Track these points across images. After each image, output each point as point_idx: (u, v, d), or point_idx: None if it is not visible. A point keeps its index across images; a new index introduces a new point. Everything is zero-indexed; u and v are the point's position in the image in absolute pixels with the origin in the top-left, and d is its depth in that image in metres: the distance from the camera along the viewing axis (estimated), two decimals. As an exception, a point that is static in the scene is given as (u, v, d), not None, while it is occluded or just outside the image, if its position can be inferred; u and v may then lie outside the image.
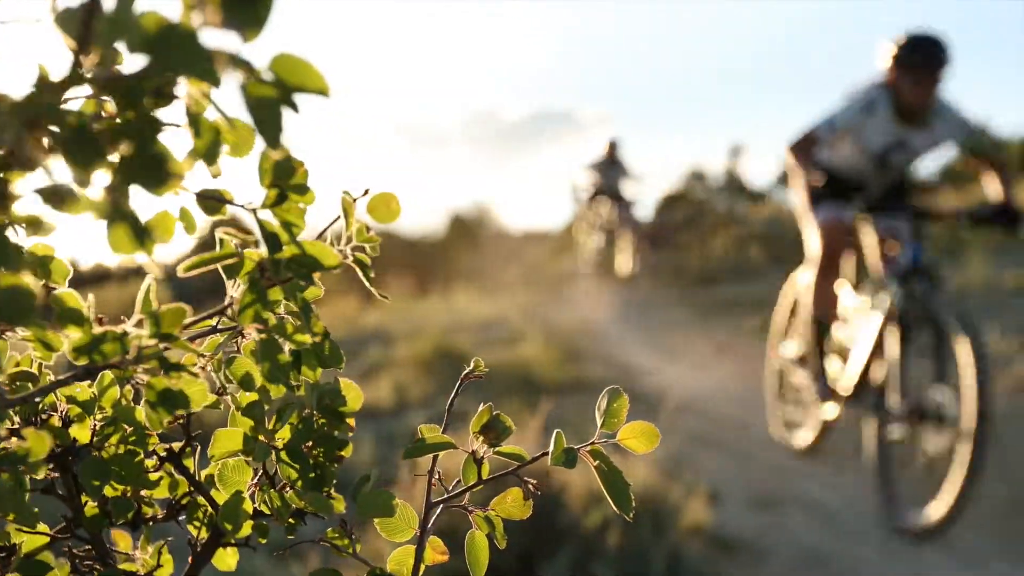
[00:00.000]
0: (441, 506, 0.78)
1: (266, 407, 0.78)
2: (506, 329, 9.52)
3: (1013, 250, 10.83)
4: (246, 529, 0.80)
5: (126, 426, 0.77)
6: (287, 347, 0.74)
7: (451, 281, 17.23)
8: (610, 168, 14.41)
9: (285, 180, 0.65)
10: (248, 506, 0.78)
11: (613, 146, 14.42)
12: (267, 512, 0.81)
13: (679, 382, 7.41)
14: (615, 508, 0.75)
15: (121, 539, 0.85)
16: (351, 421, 0.83)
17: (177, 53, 0.47)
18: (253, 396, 0.78)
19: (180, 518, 0.84)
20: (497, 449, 0.76)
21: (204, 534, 0.83)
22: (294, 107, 0.51)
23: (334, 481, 0.81)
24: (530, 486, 0.78)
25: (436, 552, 0.77)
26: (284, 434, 0.79)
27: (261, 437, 0.78)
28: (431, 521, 0.77)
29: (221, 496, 0.79)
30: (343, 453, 0.82)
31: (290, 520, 0.81)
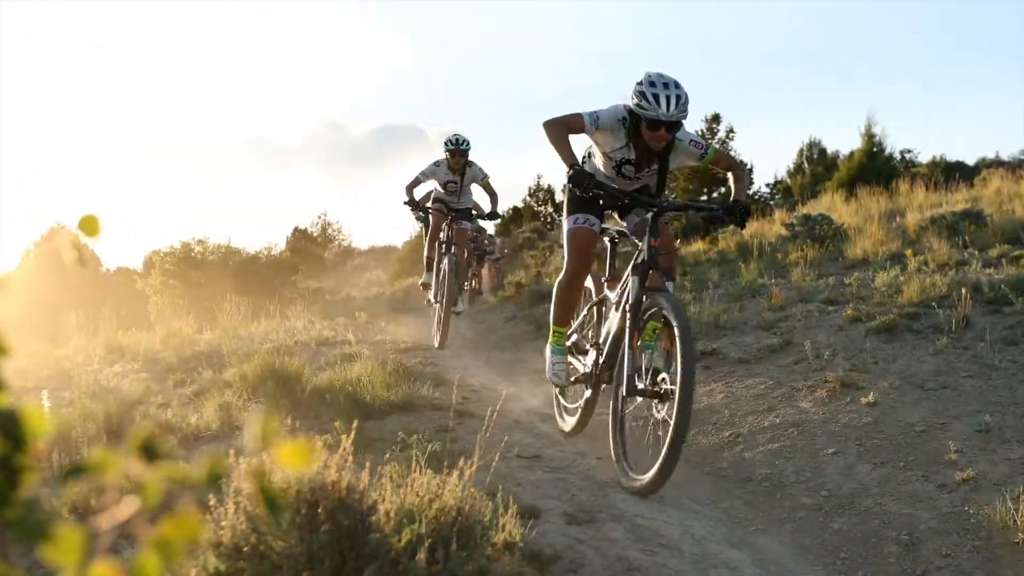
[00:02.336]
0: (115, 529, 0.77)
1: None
2: (341, 349, 9.45)
3: (826, 263, 11.36)
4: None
5: None
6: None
7: (291, 299, 16.99)
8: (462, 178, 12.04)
9: None
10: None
11: (464, 151, 11.42)
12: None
13: (509, 399, 7.48)
14: (270, 519, 0.75)
15: None
16: (36, 447, 0.82)
17: None
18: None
19: None
20: (161, 470, 0.76)
21: None
22: None
23: (15, 506, 0.79)
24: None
25: (106, 576, 0.77)
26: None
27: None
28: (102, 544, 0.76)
29: None
30: (25, 478, 0.81)
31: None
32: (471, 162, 11.33)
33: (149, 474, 0.75)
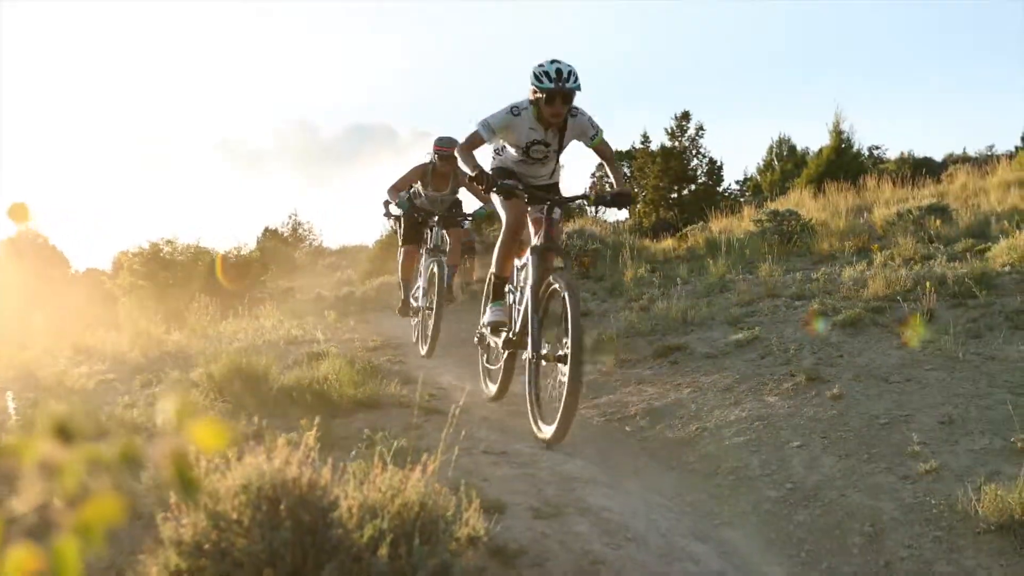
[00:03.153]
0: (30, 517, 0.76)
1: None
2: (309, 348, 9.42)
3: (794, 259, 11.42)
4: None
5: None
6: None
7: (261, 299, 16.94)
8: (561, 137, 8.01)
9: None
10: None
11: (570, 92, 7.00)
12: None
13: (476, 396, 7.48)
14: (183, 498, 0.75)
15: None
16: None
17: None
18: None
19: None
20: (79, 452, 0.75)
21: None
22: None
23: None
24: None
25: (24, 563, 0.76)
26: None
27: None
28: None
29: None
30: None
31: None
32: (576, 109, 6.65)
33: (66, 457, 0.75)
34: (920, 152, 28.21)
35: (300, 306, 17.02)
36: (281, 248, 36.91)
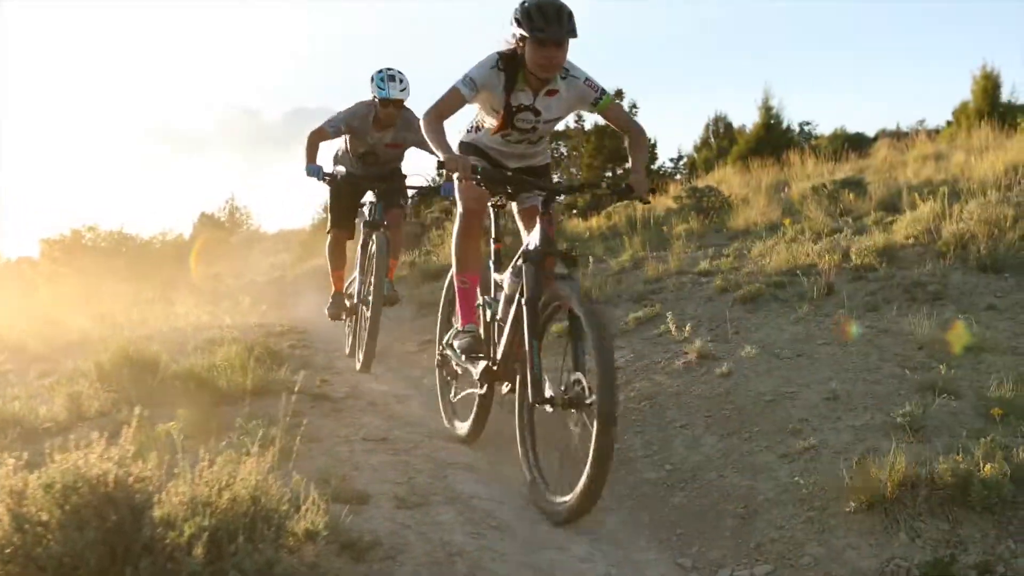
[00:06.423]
0: None
1: None
2: (213, 334, 9.20)
3: (711, 235, 11.35)
4: None
5: None
6: None
7: (185, 285, 16.68)
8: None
9: None
10: None
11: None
12: None
13: (372, 382, 7.32)
14: None
15: None
16: None
17: None
18: None
19: None
20: None
21: None
22: None
23: None
24: None
25: None
26: None
27: None
28: None
29: None
30: None
31: None
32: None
33: None
34: (854, 128, 28.24)
35: (223, 291, 16.76)
36: (216, 233, 36.44)
